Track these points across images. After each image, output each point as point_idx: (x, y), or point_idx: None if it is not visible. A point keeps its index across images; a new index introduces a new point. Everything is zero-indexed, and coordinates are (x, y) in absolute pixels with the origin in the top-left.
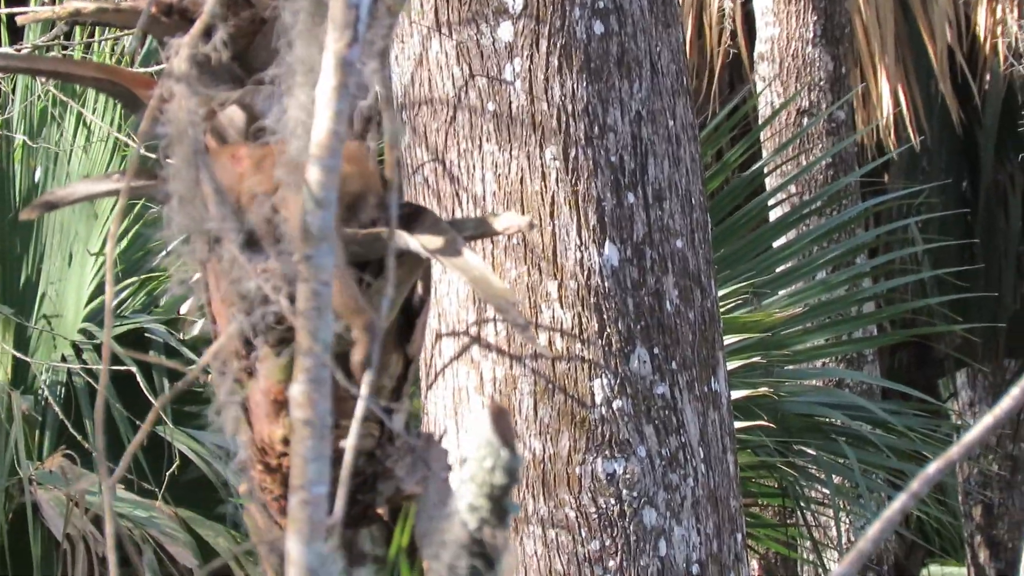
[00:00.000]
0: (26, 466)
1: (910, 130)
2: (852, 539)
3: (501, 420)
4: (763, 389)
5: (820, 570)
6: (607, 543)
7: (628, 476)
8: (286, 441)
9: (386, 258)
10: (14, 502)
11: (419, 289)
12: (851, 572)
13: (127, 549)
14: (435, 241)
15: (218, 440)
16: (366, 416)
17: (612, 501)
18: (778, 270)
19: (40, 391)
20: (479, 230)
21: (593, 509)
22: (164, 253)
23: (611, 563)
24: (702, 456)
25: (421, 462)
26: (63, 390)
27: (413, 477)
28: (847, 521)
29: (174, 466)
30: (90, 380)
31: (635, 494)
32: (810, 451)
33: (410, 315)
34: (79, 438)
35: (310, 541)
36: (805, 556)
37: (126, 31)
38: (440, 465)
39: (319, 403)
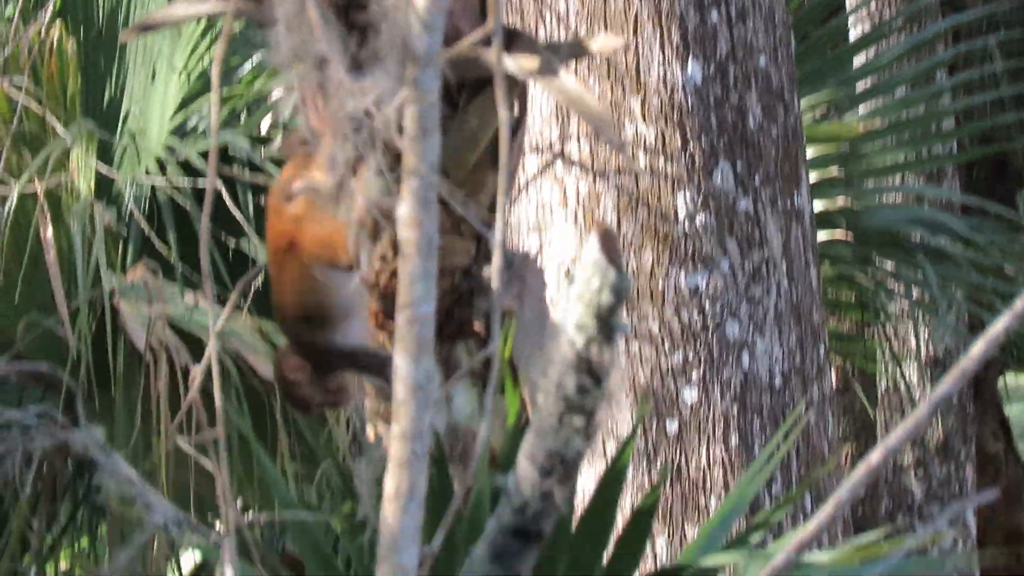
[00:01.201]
0: (109, 278)
1: None
2: (931, 352)
3: (608, 241)
4: (842, 201)
5: (899, 383)
6: (690, 356)
7: (711, 290)
8: (383, 258)
9: (486, 80)
10: (97, 315)
11: (515, 109)
12: (953, 389)
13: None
14: (531, 62)
15: None
16: (462, 233)
17: (695, 314)
18: (858, 88)
19: (124, 205)
20: (574, 51)
21: (676, 322)
22: (248, 71)
23: (694, 375)
24: (784, 270)
25: (516, 278)
26: (146, 204)
27: (508, 292)
28: (926, 334)
29: (258, 279)
30: (173, 195)
31: (718, 307)
32: (889, 265)
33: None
34: (162, 252)
35: (417, 358)
36: (883, 369)
37: None
38: (536, 282)
39: (426, 223)
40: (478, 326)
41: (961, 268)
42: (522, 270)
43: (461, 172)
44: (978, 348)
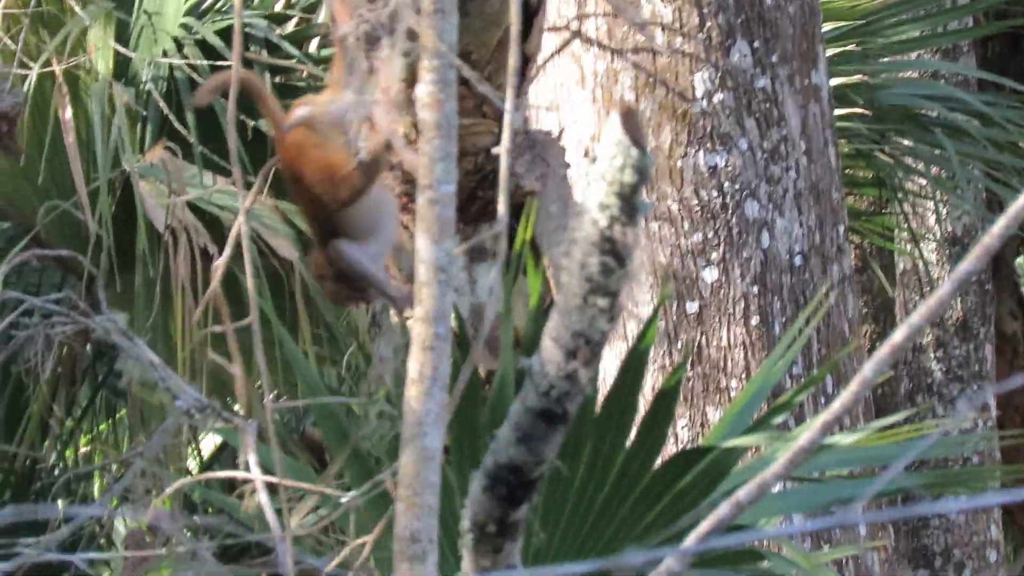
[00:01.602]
0: (128, 159)
1: None
2: (950, 229)
3: (631, 120)
4: (858, 76)
5: (918, 260)
6: (709, 235)
7: (730, 169)
8: (407, 139)
9: None
10: (116, 196)
11: None
12: (977, 267)
13: (227, 240)
14: None
15: None
16: (484, 114)
17: (714, 193)
18: None
19: (142, 85)
20: None
21: (695, 202)
22: None
23: (714, 255)
24: (803, 149)
25: (539, 159)
26: (164, 84)
27: (532, 174)
28: (944, 211)
29: (275, 159)
30: (191, 74)
31: (737, 186)
32: (907, 142)
33: (527, 14)
34: (181, 132)
35: (439, 239)
36: (902, 247)
37: None
38: (558, 162)
39: (446, 103)
40: None
41: (978, 144)
42: (544, 150)
43: (484, 52)
44: (1000, 225)
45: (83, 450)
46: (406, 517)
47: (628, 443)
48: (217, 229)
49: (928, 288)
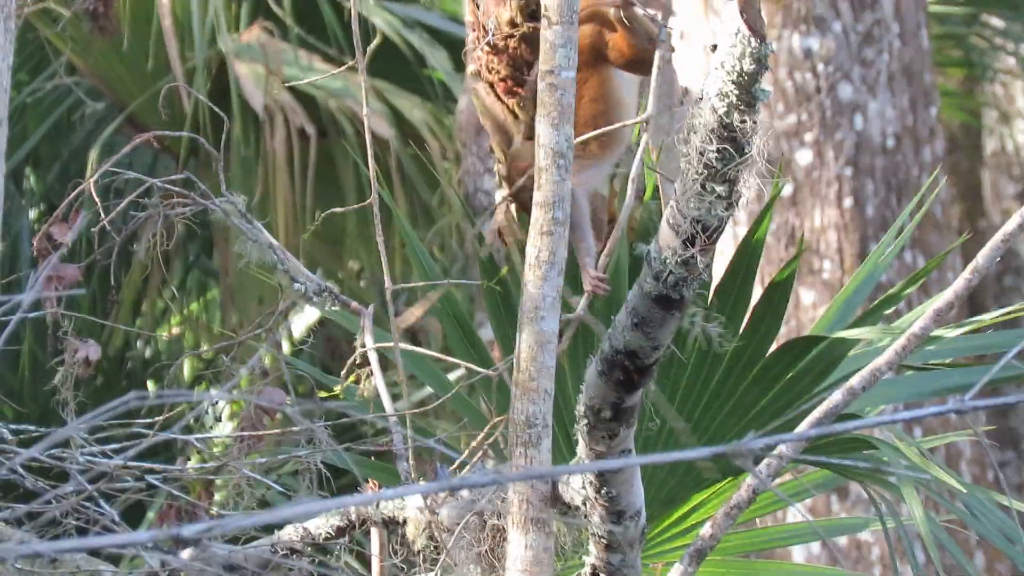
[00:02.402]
0: (224, 39)
1: None
2: None
3: (751, 10)
4: None
5: (1007, 140)
6: (803, 118)
7: (824, 52)
8: (513, 23)
9: None
10: (212, 75)
11: None
12: None
13: (323, 120)
14: None
15: (413, 12)
16: None
17: (808, 76)
18: None
19: None
20: None
21: (790, 84)
22: None
23: (807, 136)
24: (897, 31)
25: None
26: None
27: None
28: None
29: (373, 43)
30: None
31: (831, 69)
32: (997, 22)
33: None
34: (276, 12)
35: (559, 125)
36: (990, 126)
37: None
38: (664, 47)
39: None
40: None
41: None
42: (652, 34)
43: None
44: None
45: (175, 330)
46: (522, 401)
47: (740, 330)
48: (313, 108)
49: (1017, 169)
